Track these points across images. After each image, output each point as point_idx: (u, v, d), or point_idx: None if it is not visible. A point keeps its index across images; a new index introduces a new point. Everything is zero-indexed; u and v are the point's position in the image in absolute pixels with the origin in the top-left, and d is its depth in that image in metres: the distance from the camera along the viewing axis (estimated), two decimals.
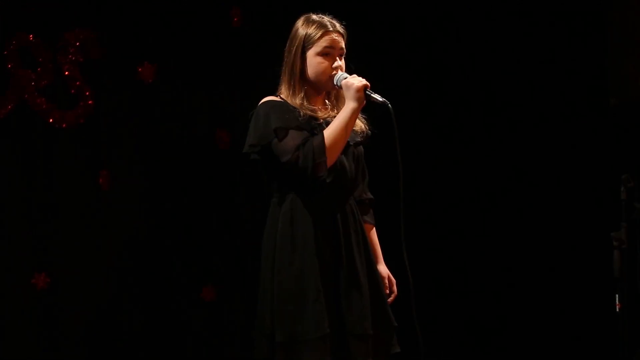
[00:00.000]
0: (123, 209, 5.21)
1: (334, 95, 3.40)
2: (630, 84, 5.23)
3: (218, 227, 5.38)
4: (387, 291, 3.49)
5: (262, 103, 3.35)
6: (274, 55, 5.23)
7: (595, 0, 5.51)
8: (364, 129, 3.45)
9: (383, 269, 3.52)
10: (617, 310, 3.87)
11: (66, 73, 5.13)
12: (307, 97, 3.34)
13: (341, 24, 3.39)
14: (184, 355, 5.29)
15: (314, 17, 3.38)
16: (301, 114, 3.28)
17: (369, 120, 3.48)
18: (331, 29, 3.34)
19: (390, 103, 3.20)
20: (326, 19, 3.37)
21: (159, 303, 5.25)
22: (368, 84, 3.23)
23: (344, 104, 3.27)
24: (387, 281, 3.50)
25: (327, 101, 3.42)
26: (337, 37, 3.34)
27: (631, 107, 5.31)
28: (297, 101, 3.32)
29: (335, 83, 3.30)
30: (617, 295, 3.88)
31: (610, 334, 4.10)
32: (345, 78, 3.26)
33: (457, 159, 5.68)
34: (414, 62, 5.63)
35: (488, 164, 5.64)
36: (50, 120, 5.10)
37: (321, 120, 3.30)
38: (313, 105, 3.35)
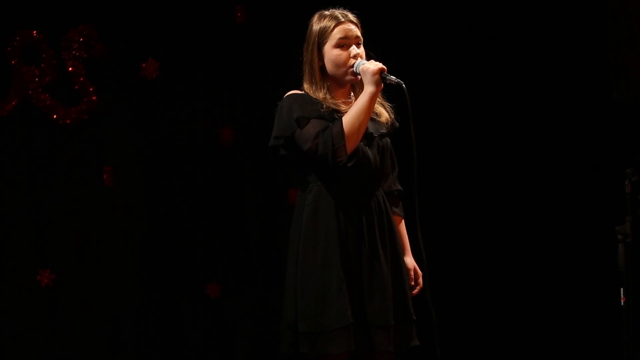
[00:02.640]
0: (127, 205, 5.21)
1: (358, 88, 3.43)
2: (633, 80, 5.23)
3: (222, 224, 5.37)
4: (412, 283, 3.51)
5: (286, 96, 3.40)
6: (278, 52, 5.29)
7: None
8: (389, 119, 3.49)
9: (409, 260, 3.53)
10: (622, 303, 3.87)
11: (70, 69, 5.13)
12: (330, 91, 3.39)
13: (353, 13, 3.42)
14: (188, 352, 5.28)
15: (325, 12, 3.44)
16: (324, 106, 3.33)
17: (394, 109, 3.50)
18: (343, 19, 3.38)
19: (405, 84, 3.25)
20: (337, 11, 3.42)
21: (163, 300, 5.24)
22: (384, 67, 3.28)
23: None
24: (412, 273, 3.52)
25: (352, 93, 3.46)
26: (350, 27, 3.38)
27: (634, 102, 5.31)
28: (320, 95, 3.36)
29: (355, 70, 3.34)
30: (622, 289, 3.88)
31: (615, 327, 4.10)
32: (364, 64, 3.31)
33: (459, 156, 5.67)
34: (414, 64, 5.62)
35: (491, 160, 5.63)
36: (54, 116, 5.10)
37: (344, 113, 3.32)
38: (336, 100, 3.38)
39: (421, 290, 3.53)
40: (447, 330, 5.00)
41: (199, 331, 5.31)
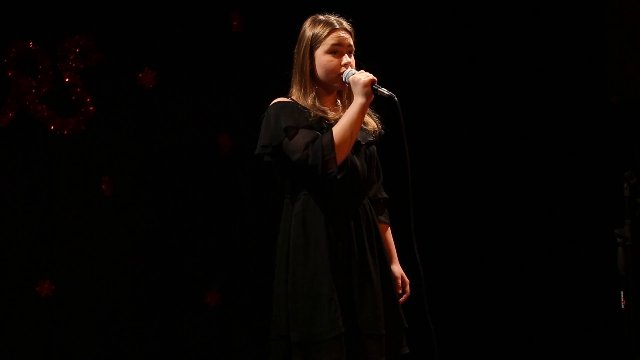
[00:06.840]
0: (125, 215, 5.22)
1: (346, 95, 3.41)
2: (629, 82, 5.24)
3: (221, 232, 5.37)
4: (400, 291, 3.50)
5: (273, 104, 3.36)
6: (274, 60, 5.29)
7: None
8: (377, 128, 3.47)
9: (397, 269, 3.52)
10: (622, 306, 3.87)
11: (67, 80, 5.14)
12: (318, 97, 3.36)
13: (348, 21, 3.41)
14: None
15: (320, 17, 3.40)
16: (312, 114, 3.30)
17: (382, 120, 3.49)
18: (338, 26, 3.36)
19: (397, 96, 3.22)
20: (332, 18, 3.39)
21: (163, 309, 5.24)
22: (375, 78, 3.25)
23: None
24: (400, 281, 3.51)
25: (338, 101, 3.43)
26: (344, 35, 3.36)
27: (632, 104, 5.31)
28: (308, 101, 3.33)
29: (344, 79, 3.31)
30: (622, 292, 3.88)
31: (615, 330, 4.10)
32: (354, 74, 3.28)
33: (458, 159, 5.67)
34: (412, 63, 5.62)
35: (490, 163, 5.63)
36: (52, 127, 5.11)
37: (332, 121, 3.31)
38: (324, 106, 3.36)
39: (408, 298, 3.52)
40: (443, 335, 5.00)
41: (199, 339, 5.30)
